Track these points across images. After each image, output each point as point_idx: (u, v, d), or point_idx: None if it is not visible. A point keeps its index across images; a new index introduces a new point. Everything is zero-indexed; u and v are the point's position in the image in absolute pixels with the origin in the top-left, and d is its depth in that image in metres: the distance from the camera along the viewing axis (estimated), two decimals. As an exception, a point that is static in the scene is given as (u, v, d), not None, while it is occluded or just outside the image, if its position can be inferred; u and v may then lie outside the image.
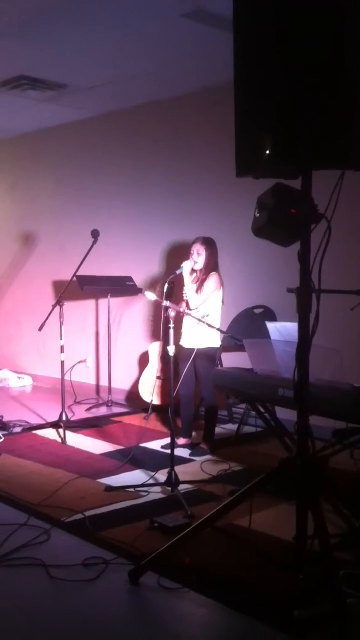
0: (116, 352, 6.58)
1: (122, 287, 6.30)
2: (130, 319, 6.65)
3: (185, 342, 4.77)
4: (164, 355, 5.56)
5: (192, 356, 4.58)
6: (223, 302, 4.78)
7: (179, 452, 4.60)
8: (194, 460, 4.58)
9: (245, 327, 5.20)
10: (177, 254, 5.94)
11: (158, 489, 3.95)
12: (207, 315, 4.62)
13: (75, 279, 5.56)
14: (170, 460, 3.90)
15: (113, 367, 6.48)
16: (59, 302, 5.23)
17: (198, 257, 4.68)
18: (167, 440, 4.32)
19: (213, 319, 4.66)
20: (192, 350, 4.62)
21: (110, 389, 6.42)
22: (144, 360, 6.27)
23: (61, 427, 5.16)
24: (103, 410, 6.22)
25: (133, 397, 6.44)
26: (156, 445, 4.93)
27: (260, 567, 2.88)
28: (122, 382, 6.64)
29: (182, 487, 3.90)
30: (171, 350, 3.96)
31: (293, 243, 2.62)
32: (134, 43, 4.77)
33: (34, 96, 6.03)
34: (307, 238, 2.50)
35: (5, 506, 3.71)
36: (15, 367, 7.86)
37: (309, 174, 2.47)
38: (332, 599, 2.37)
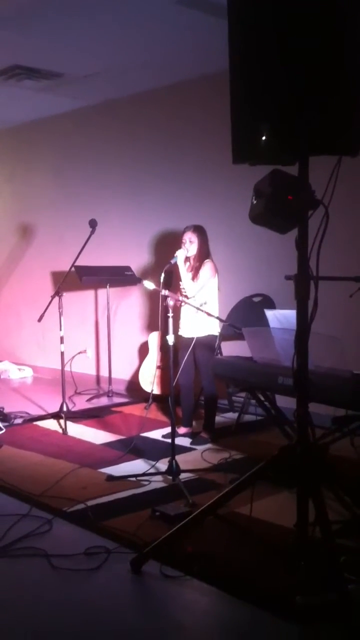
0: (116, 342, 6.57)
1: (121, 276, 6.29)
2: (129, 309, 6.65)
3: (184, 332, 4.77)
4: (163, 345, 5.57)
5: (192, 345, 4.59)
6: (219, 288, 4.78)
7: (180, 441, 4.61)
8: (194, 449, 4.58)
9: (244, 316, 5.20)
10: (176, 242, 5.89)
11: (159, 478, 3.96)
12: (205, 303, 4.62)
13: (73, 269, 5.55)
14: (171, 449, 3.90)
15: (113, 357, 6.48)
16: (57, 293, 5.22)
17: (190, 245, 4.69)
18: (168, 430, 4.32)
19: (211, 307, 4.66)
20: (192, 339, 4.62)
21: (110, 379, 6.43)
22: (143, 350, 6.27)
23: (62, 418, 5.17)
24: (103, 401, 6.23)
25: (133, 387, 6.45)
26: (157, 434, 4.93)
27: (261, 554, 2.89)
28: (122, 372, 6.64)
29: (183, 476, 3.91)
30: (170, 339, 3.96)
31: (290, 230, 2.61)
32: (130, 31, 4.74)
33: (29, 86, 6.00)
34: (304, 225, 2.48)
35: (7, 497, 3.72)
36: (15, 358, 7.86)
37: (306, 160, 2.45)
38: (333, 586, 2.38)
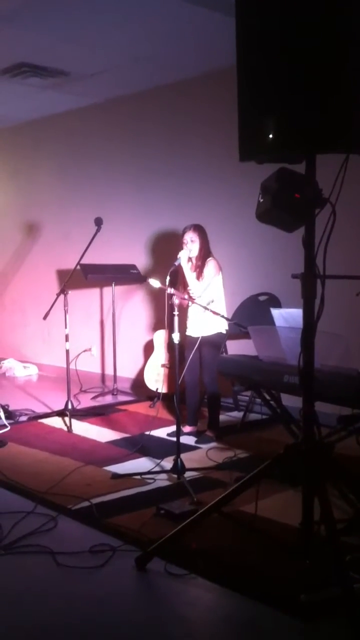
0: (121, 340, 6.57)
1: (126, 275, 6.29)
2: (134, 307, 6.65)
3: (192, 331, 4.78)
4: (169, 343, 5.57)
5: (197, 343, 4.59)
6: (224, 286, 4.78)
7: (185, 440, 4.61)
8: (199, 448, 4.58)
9: (250, 314, 5.19)
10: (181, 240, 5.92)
11: (164, 476, 3.96)
12: (212, 301, 4.63)
13: (79, 267, 5.55)
14: (176, 448, 3.90)
15: (118, 355, 6.48)
16: (63, 291, 5.23)
17: (192, 245, 4.70)
18: (173, 428, 4.32)
19: (218, 304, 4.67)
20: (198, 338, 4.62)
21: (115, 377, 6.43)
22: (148, 348, 6.27)
23: (67, 416, 5.18)
24: (108, 399, 6.23)
25: (138, 385, 6.45)
26: (162, 432, 4.93)
27: (266, 552, 2.89)
28: (127, 370, 6.64)
29: (188, 474, 3.91)
30: (176, 337, 3.96)
31: (297, 228, 2.60)
32: (135, 28, 4.73)
33: (35, 83, 6.00)
34: (311, 223, 2.47)
35: (12, 494, 3.73)
36: (20, 356, 7.87)
37: (313, 158, 2.44)
38: (338, 584, 2.38)
